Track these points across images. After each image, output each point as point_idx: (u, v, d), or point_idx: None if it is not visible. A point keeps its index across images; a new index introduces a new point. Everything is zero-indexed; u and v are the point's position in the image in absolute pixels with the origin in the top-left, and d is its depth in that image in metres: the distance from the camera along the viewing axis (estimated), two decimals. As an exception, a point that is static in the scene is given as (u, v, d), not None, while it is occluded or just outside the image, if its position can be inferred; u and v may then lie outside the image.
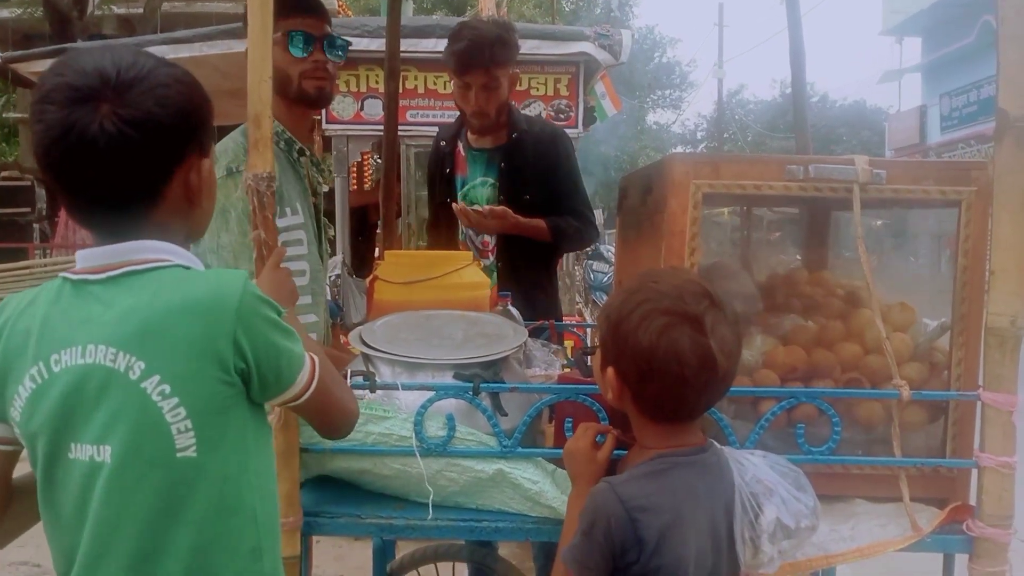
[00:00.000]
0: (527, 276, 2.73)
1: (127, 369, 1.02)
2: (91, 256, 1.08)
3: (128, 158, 1.02)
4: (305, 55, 1.97)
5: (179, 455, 1.03)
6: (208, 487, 1.05)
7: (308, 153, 2.06)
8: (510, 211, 2.60)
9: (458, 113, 2.80)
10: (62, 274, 1.09)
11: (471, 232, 2.78)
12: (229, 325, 1.04)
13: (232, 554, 1.07)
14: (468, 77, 2.58)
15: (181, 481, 1.04)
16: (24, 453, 1.12)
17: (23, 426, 1.06)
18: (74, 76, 1.02)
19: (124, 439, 1.02)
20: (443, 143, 2.84)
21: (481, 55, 2.54)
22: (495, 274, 2.74)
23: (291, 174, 1.98)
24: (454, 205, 2.64)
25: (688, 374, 1.15)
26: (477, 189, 2.78)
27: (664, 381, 1.16)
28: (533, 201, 2.69)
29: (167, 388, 1.02)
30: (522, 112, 2.84)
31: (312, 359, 1.17)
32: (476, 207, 2.61)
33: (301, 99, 2.00)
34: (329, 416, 1.25)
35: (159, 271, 1.06)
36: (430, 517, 1.50)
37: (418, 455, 1.48)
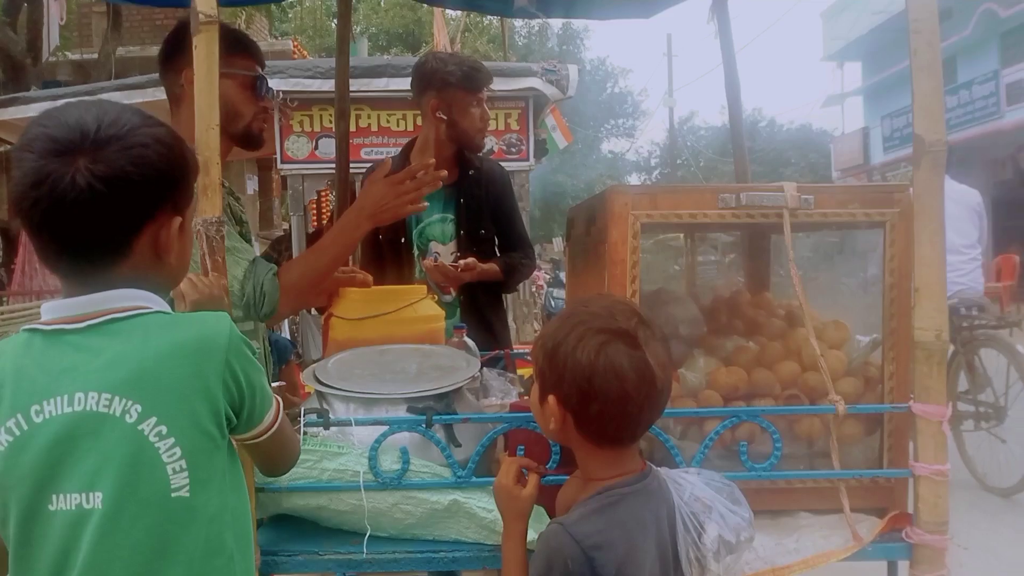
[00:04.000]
0: (487, 309, 2.82)
1: (123, 413, 1.03)
2: (63, 307, 1.09)
3: (96, 212, 1.04)
4: (263, 98, 2.03)
5: (173, 495, 1.05)
6: (198, 527, 1.07)
7: (227, 184, 2.09)
8: (476, 261, 2.68)
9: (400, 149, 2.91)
10: (27, 326, 1.10)
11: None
12: (219, 366, 1.08)
13: None
14: (481, 93, 2.74)
15: (174, 521, 1.05)
16: None
17: None
18: (56, 128, 1.05)
19: (118, 482, 1.03)
20: None
21: (486, 71, 2.78)
22: (458, 309, 2.79)
23: None
24: (426, 263, 2.71)
25: (629, 388, 1.17)
26: (435, 226, 2.83)
27: (607, 398, 1.18)
28: (488, 236, 2.84)
29: (164, 429, 1.04)
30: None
31: (277, 399, 1.22)
32: (454, 264, 2.68)
33: (247, 137, 2.03)
34: (280, 455, 1.29)
35: (143, 317, 1.09)
36: (390, 551, 1.53)
37: (363, 490, 1.50)
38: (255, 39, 2.17)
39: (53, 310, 1.09)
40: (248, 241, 2.12)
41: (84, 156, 1.04)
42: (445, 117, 2.74)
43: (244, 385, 1.11)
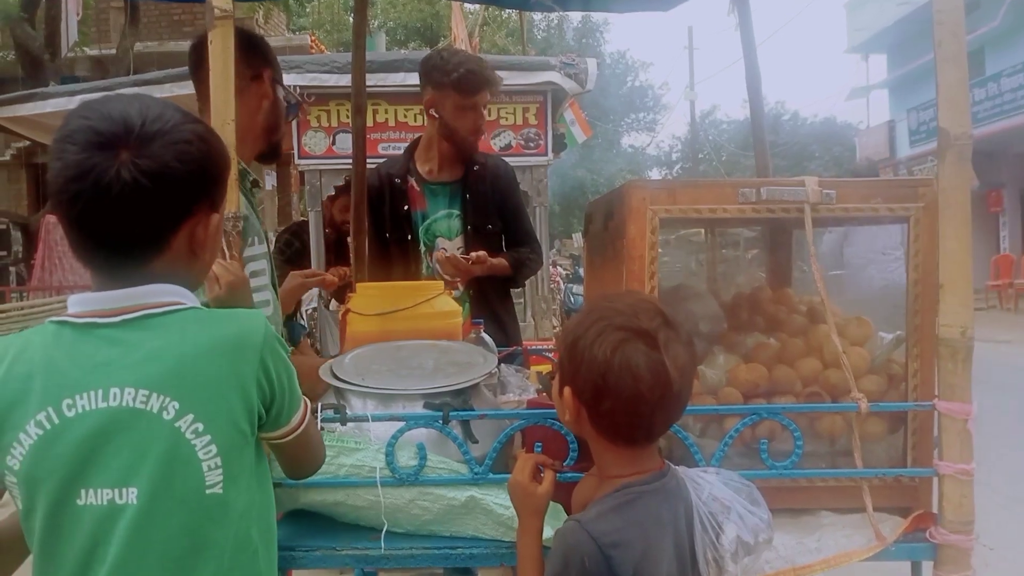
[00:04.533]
0: (496, 303, 2.83)
1: (160, 410, 1.03)
2: (95, 300, 1.08)
3: (139, 207, 1.04)
4: (287, 119, 2.08)
5: (208, 492, 1.06)
6: (229, 523, 1.08)
7: (259, 184, 2.11)
8: (486, 254, 2.69)
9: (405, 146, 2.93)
10: (56, 318, 1.09)
11: (438, 266, 2.81)
12: (255, 363, 1.09)
13: None
14: (476, 97, 2.72)
15: (208, 518, 1.06)
16: None
17: (24, 474, 1.04)
18: (99, 121, 1.04)
19: (154, 479, 1.03)
20: (397, 180, 2.87)
21: (488, 76, 2.73)
22: (467, 304, 2.79)
23: (247, 204, 2.03)
24: (438, 256, 2.72)
25: (643, 389, 1.15)
26: (441, 222, 2.85)
27: (619, 396, 1.16)
28: (495, 231, 2.87)
29: (200, 426, 1.05)
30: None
31: (306, 401, 1.22)
32: (465, 256, 2.69)
33: (273, 149, 2.07)
34: (305, 456, 1.30)
35: (179, 313, 1.09)
36: (406, 547, 1.52)
37: (380, 486, 1.50)
38: (272, 33, 2.21)
39: (84, 302, 1.09)
40: (266, 239, 2.14)
41: (128, 150, 1.03)
42: (437, 116, 2.74)
43: (276, 383, 1.12)
